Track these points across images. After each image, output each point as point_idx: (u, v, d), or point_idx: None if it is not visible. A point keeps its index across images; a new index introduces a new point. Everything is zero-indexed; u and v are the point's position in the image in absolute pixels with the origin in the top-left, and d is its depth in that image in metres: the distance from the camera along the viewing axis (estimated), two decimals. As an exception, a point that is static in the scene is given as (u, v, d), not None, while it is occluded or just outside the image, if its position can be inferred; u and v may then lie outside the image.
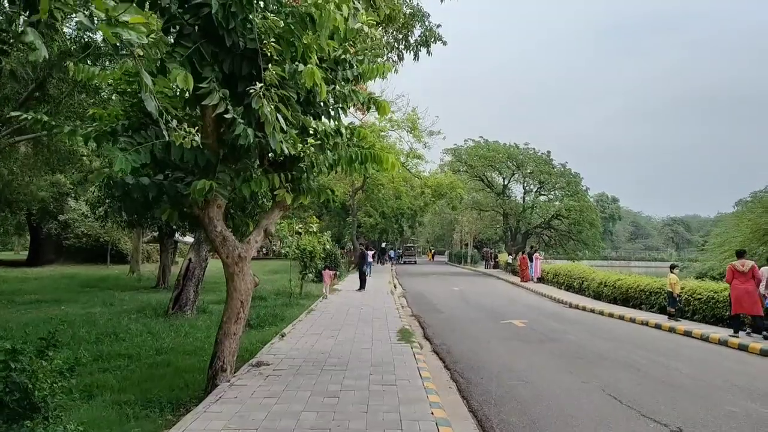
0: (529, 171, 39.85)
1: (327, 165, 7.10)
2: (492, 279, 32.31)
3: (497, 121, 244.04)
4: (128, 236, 33.90)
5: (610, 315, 15.18)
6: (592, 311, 16.25)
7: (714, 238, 50.85)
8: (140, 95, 4.30)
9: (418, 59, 14.23)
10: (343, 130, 7.45)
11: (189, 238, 22.80)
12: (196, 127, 5.78)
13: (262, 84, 4.95)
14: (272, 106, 5.03)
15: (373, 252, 36.81)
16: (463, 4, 14.07)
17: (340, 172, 7.24)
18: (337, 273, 24.22)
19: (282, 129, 5.26)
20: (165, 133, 4.58)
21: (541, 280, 26.98)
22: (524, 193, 41.73)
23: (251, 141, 5.56)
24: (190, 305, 12.51)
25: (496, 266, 41.61)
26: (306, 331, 10.58)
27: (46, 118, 6.08)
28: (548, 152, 40.24)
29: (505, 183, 42.19)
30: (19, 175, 23.49)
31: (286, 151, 5.56)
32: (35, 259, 37.10)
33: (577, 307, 17.40)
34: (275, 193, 6.87)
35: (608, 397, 6.64)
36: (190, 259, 12.86)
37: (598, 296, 18.86)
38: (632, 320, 14.07)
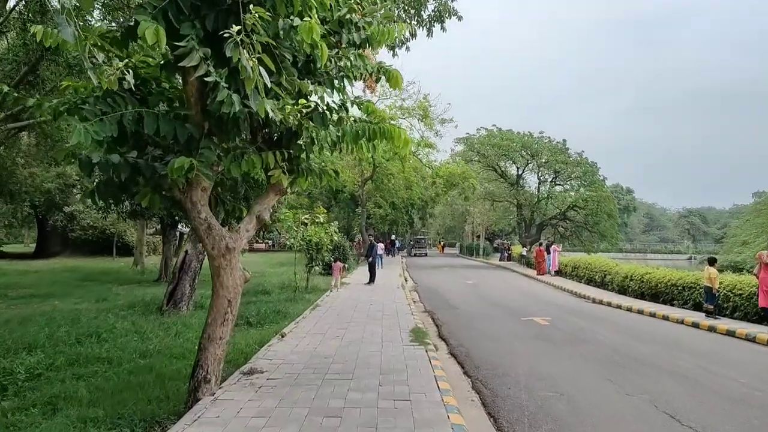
0: (544, 160, 38.52)
1: (329, 142, 6.08)
2: (506, 272, 31.19)
3: (506, 111, 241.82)
4: (133, 228, 33.25)
5: (640, 312, 14.05)
6: (619, 307, 15.12)
7: (734, 230, 49.47)
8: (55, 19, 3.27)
9: (432, 36, 13.13)
10: (349, 105, 6.44)
11: (192, 230, 21.96)
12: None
13: (240, 27, 3.92)
14: (254, 59, 4.01)
15: (383, 244, 35.67)
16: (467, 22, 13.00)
17: (345, 150, 6.20)
18: (346, 266, 23.26)
19: (266, 87, 4.23)
20: (90, 75, 3.59)
21: (558, 273, 25.83)
22: (539, 183, 40.46)
23: (237, 110, 4.57)
24: (186, 301, 11.60)
25: (509, 258, 40.46)
26: (309, 330, 9.61)
27: (6, 89, 5.19)
28: (564, 141, 38.91)
29: (519, 173, 40.90)
30: (21, 165, 22.82)
31: (272, 115, 4.55)
32: (42, 252, 36.63)
33: (601, 302, 16.28)
34: (269, 174, 5.88)
35: (664, 416, 5.58)
36: (186, 251, 11.94)
37: (623, 291, 17.72)
38: (665, 318, 12.94)
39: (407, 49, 12.77)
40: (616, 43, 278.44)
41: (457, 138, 40.81)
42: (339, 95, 6.36)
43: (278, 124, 5.52)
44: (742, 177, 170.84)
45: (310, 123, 5.89)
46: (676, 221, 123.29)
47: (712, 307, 12.17)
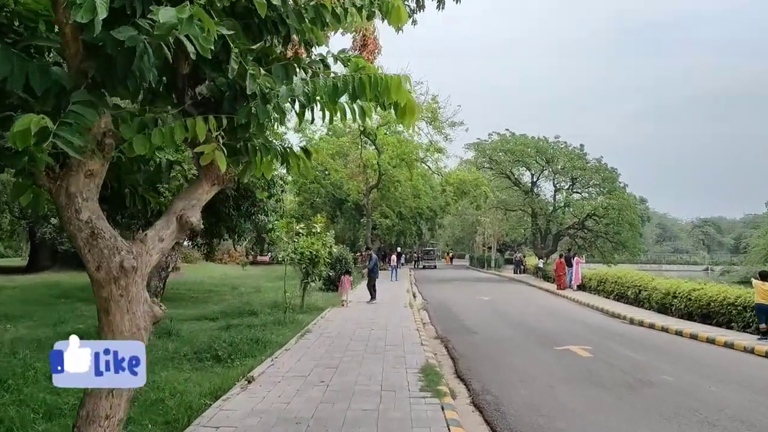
0: (560, 167, 36.31)
1: (298, 102, 3.95)
2: (522, 285, 28.83)
3: (512, 117, 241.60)
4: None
5: (693, 337, 11.73)
6: (665, 330, 12.79)
7: (756, 240, 46.58)
8: None
9: (443, 7, 11.10)
10: (331, 61, 4.28)
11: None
12: None
13: None
14: None
15: (395, 255, 32.99)
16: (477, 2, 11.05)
17: (318, 115, 4.08)
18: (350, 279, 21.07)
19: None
20: None
21: (581, 287, 23.48)
22: (555, 191, 38.15)
23: (99, 25, 2.48)
24: (144, 328, 9.44)
25: (524, 271, 38.10)
26: (288, 371, 7.42)
27: None
28: (581, 146, 36.72)
29: (534, 180, 38.62)
30: None
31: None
32: (33, 266, 34.87)
33: (641, 323, 13.95)
34: (197, 151, 3.73)
35: None
36: (146, 267, 9.81)
37: (663, 309, 15.37)
38: (729, 345, 10.62)
39: (414, 22, 10.72)
40: (627, 50, 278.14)
41: (468, 144, 38.54)
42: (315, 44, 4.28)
43: (209, 70, 3.47)
44: (742, 178, 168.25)
45: (260, 71, 3.78)
46: (690, 231, 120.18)
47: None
